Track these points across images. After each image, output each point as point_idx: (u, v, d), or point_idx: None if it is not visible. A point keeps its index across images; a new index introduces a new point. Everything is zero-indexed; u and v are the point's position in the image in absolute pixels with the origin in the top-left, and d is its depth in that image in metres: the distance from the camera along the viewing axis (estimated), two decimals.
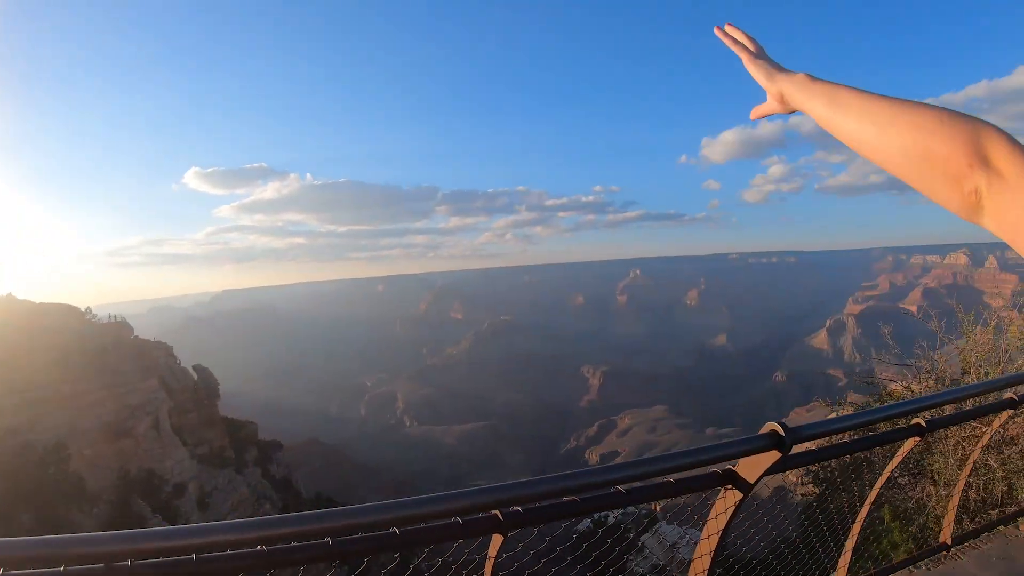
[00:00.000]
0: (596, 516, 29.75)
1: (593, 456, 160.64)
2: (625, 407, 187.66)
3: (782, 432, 3.20)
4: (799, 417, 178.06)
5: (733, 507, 3.46)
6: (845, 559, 4.54)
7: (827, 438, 4.00)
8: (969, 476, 5.81)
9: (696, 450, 3.26)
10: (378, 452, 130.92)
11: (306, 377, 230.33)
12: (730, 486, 3.42)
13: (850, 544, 4.56)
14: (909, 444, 4.30)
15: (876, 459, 8.15)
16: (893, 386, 10.42)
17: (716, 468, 3.39)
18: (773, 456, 3.25)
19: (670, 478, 3.16)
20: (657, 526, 24.96)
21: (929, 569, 4.84)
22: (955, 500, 5.08)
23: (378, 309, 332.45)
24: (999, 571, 4.74)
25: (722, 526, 3.51)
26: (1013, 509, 6.24)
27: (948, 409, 6.04)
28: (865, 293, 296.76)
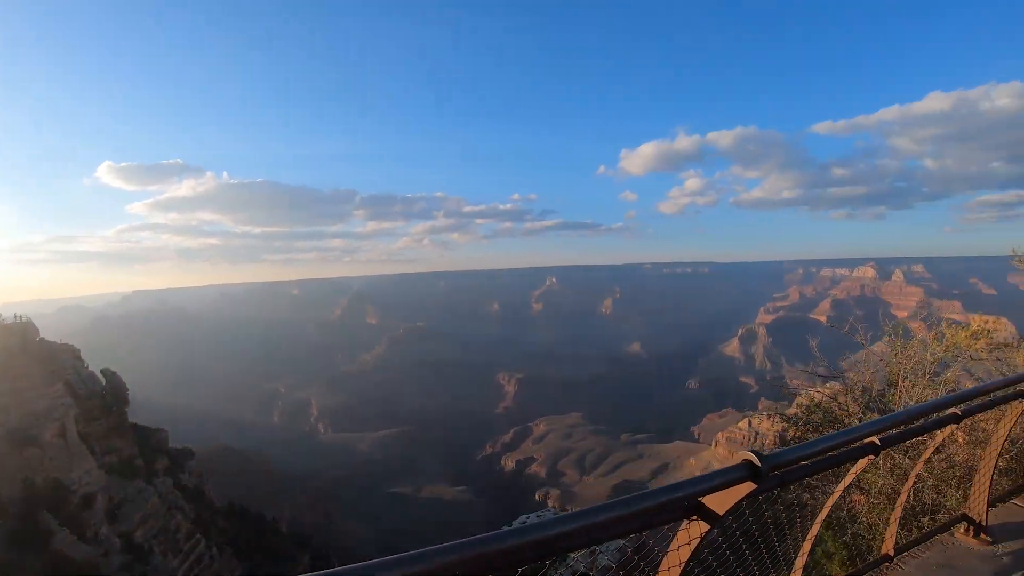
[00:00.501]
0: (514, 526, 31.43)
1: (509, 462, 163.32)
2: (541, 413, 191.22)
3: (757, 462, 3.18)
4: (712, 424, 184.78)
5: (698, 539, 3.35)
6: (801, 562, 4.49)
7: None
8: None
9: (669, 487, 3.19)
10: (293, 460, 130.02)
11: (218, 382, 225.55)
12: (695, 517, 3.33)
13: (800, 562, 4.52)
14: (863, 463, 4.35)
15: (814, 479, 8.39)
16: (814, 393, 11.30)
17: (680, 494, 3.29)
18: (748, 487, 3.23)
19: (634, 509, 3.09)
20: None
21: None
22: (897, 512, 5.15)
23: (292, 313, 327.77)
24: None
25: (684, 558, 3.38)
26: (944, 516, 6.48)
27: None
28: (776, 304, 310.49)
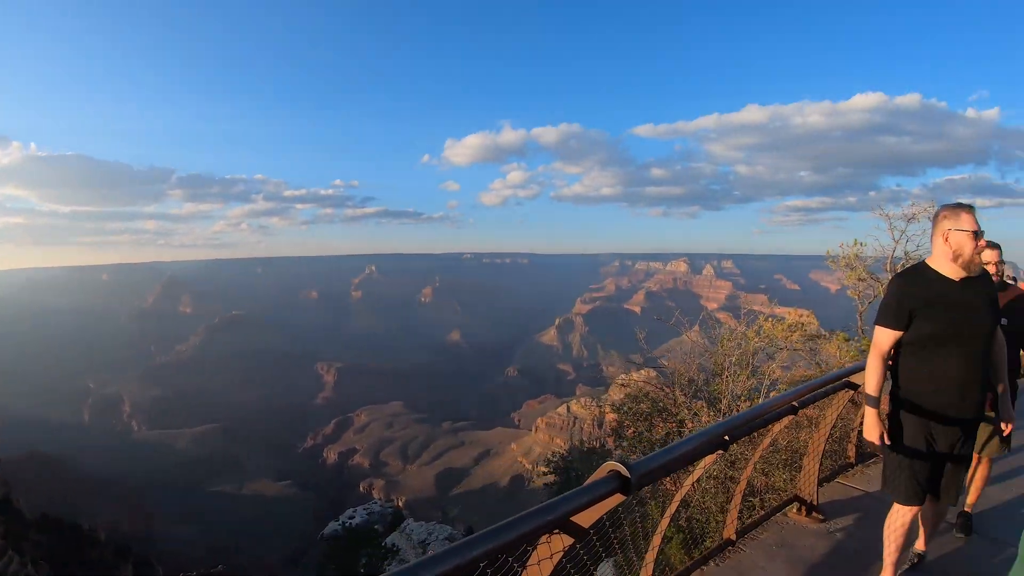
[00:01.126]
0: (342, 521, 30.17)
1: (331, 454, 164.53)
2: (362, 403, 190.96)
3: (627, 473, 3.02)
4: (532, 410, 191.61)
5: (560, 553, 3.15)
6: (647, 572, 4.44)
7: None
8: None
9: (539, 510, 2.89)
10: (106, 461, 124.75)
11: (21, 379, 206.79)
12: (557, 530, 3.08)
13: (651, 556, 4.45)
14: (711, 458, 4.36)
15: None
16: (643, 384, 11.31)
17: (551, 517, 2.98)
18: (617, 499, 3.07)
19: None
20: (405, 523, 25.88)
21: (719, 565, 5.03)
22: (737, 499, 5.33)
23: (102, 301, 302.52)
24: (783, 558, 5.09)
25: (546, 573, 3.14)
26: (774, 498, 6.74)
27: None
28: (593, 294, 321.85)
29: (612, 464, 3.16)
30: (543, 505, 2.95)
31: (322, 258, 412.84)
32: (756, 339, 11.50)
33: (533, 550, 3.16)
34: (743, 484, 5.39)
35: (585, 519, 3.11)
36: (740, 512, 5.57)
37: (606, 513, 3.19)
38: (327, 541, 30.19)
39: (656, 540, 4.53)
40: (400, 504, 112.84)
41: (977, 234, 3.81)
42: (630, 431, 10.60)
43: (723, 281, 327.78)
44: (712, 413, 9.35)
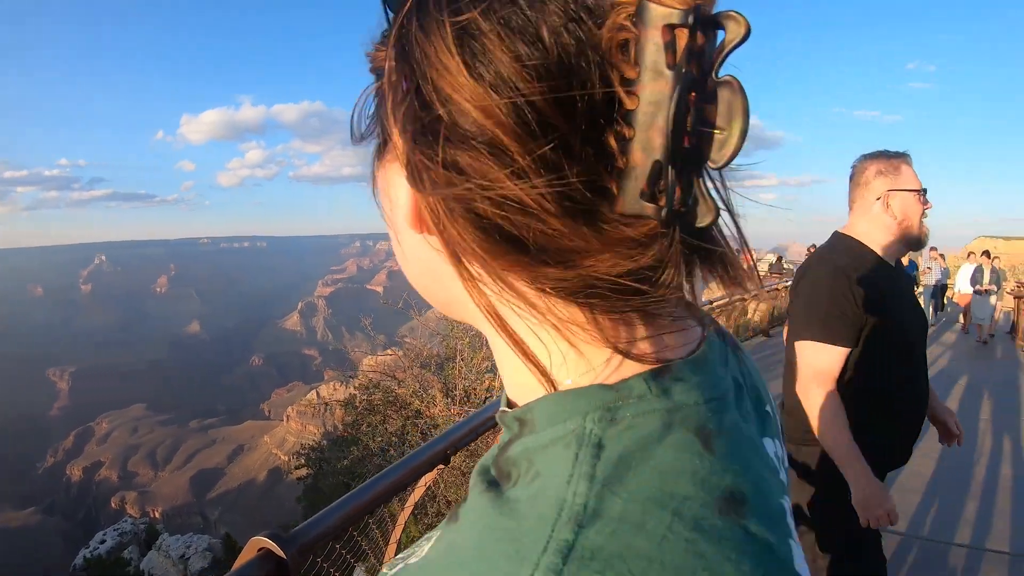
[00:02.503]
0: (92, 547, 28.64)
1: (76, 471, 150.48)
2: (101, 410, 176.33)
3: (280, 552, 1.76)
4: (281, 399, 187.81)
5: None
6: None
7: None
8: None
9: None
10: None
11: None
12: None
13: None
14: (431, 476, 3.20)
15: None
16: (371, 374, 10.57)
17: None
18: None
19: None
20: (161, 539, 27.33)
21: None
22: None
23: None
24: None
25: None
26: None
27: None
28: (334, 276, 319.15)
29: (260, 540, 1.94)
30: None
31: (46, 248, 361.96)
32: None
33: None
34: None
35: None
36: None
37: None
38: (79, 574, 27.73)
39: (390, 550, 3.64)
40: (157, 515, 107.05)
41: (923, 193, 2.41)
42: (363, 426, 10.11)
43: None
44: (447, 401, 8.86)
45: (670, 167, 0.37)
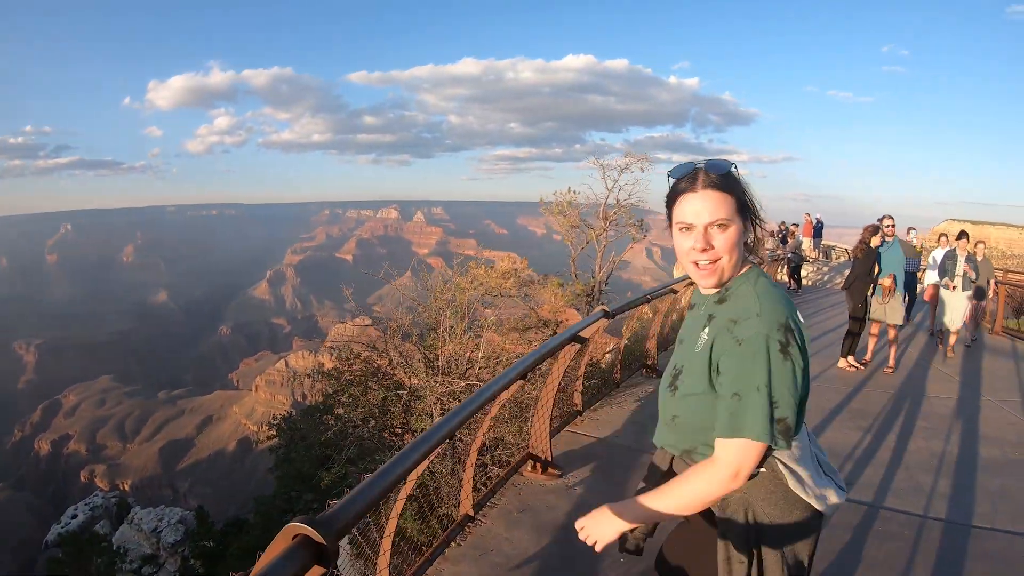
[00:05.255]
0: (64, 523, 26.74)
1: (44, 445, 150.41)
2: (68, 383, 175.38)
3: (319, 538, 1.94)
4: (250, 368, 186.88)
5: None
6: (385, 560, 3.68)
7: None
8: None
9: None
10: None
11: None
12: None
13: (387, 544, 3.69)
14: (435, 453, 3.50)
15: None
16: (353, 344, 10.41)
17: None
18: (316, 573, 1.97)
19: None
20: (132, 512, 23.95)
21: (460, 545, 4.49)
22: (469, 473, 4.82)
23: None
24: (526, 524, 4.71)
25: None
26: (504, 454, 6.59)
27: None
28: (303, 244, 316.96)
29: (296, 527, 1.96)
30: (566, 329, 3.69)
31: (10, 218, 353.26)
32: (471, 289, 11.50)
33: None
34: (473, 457, 4.81)
35: (586, 333, 3.63)
36: (473, 482, 5.21)
37: None
38: (52, 550, 26.72)
39: (391, 526, 3.64)
40: (127, 487, 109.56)
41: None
42: (344, 396, 10.12)
43: (434, 227, 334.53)
44: (429, 372, 8.88)
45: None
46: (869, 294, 9.20)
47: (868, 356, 9.71)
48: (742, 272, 1.76)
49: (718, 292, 1.80)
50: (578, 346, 5.47)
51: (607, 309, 6.20)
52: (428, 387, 8.63)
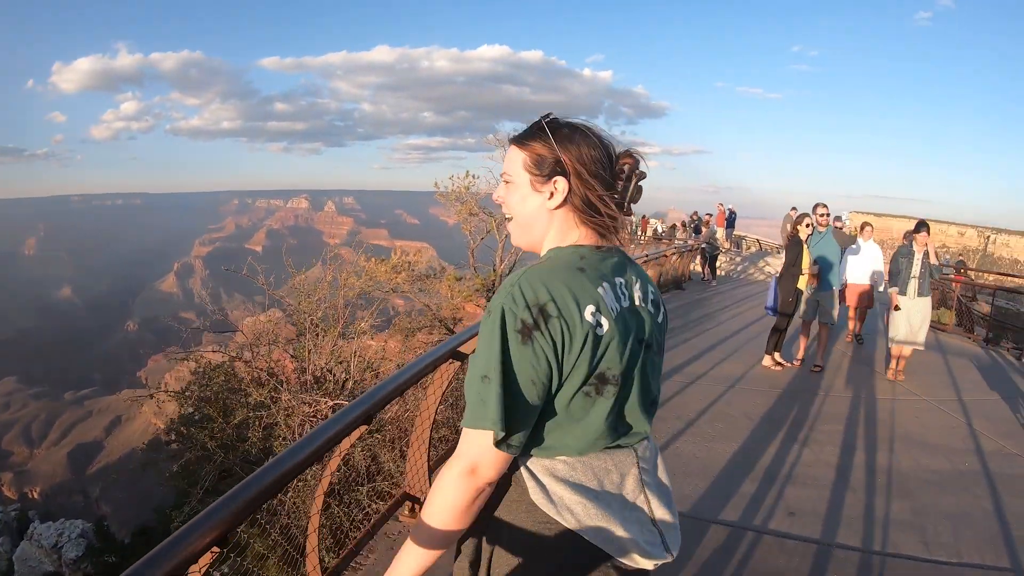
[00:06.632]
0: None
1: None
2: None
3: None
4: (159, 365, 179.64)
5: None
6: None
7: None
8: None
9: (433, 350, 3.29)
10: None
11: None
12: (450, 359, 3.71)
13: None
14: (356, 434, 3.25)
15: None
16: (210, 355, 9.57)
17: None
18: None
19: None
20: (32, 527, 21.86)
21: None
22: (313, 541, 3.33)
23: None
24: None
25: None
26: (382, 484, 5.98)
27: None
28: (212, 235, 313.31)
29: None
30: (443, 343, 3.67)
31: None
32: (356, 282, 10.73)
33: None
34: (313, 538, 3.32)
35: (467, 348, 3.86)
36: (333, 531, 4.67)
37: None
38: None
39: (312, 538, 3.26)
40: (35, 495, 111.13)
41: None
42: (199, 418, 8.72)
43: (345, 217, 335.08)
44: (296, 389, 7.97)
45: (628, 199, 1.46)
46: (798, 287, 8.47)
47: (800, 355, 8.97)
48: (560, 241, 1.49)
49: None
50: (458, 364, 4.16)
51: None
52: (286, 409, 7.68)
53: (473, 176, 16.58)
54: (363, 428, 3.21)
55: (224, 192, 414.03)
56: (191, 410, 9.46)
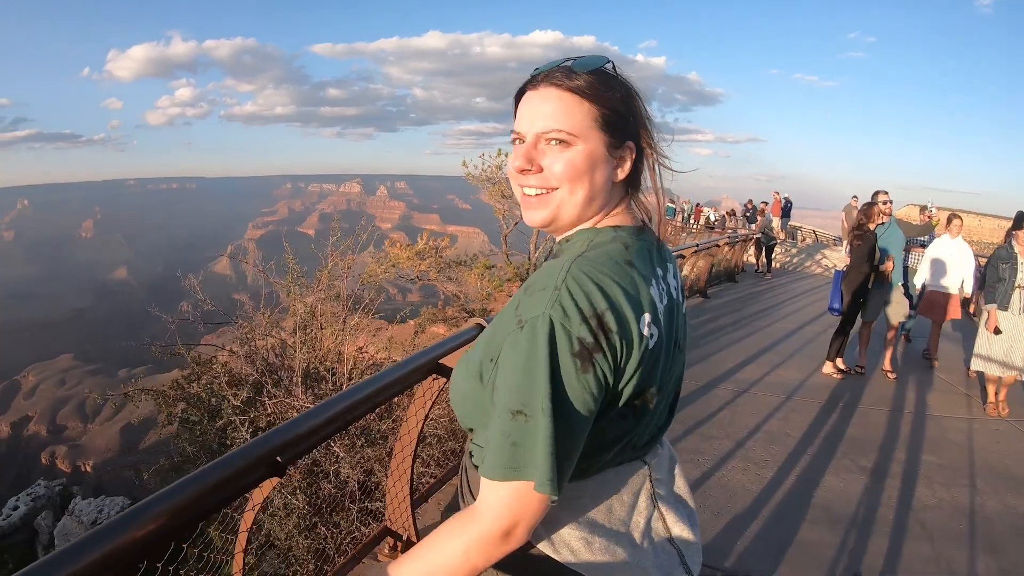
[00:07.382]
0: (2, 516, 24.86)
1: (3, 427, 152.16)
2: (27, 363, 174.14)
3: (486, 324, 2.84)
4: (208, 348, 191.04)
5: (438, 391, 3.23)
6: None
7: None
8: None
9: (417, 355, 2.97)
10: None
11: None
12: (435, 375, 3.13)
13: None
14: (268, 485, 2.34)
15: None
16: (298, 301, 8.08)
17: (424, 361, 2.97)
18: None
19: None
20: (73, 503, 23.30)
21: None
22: None
23: None
24: None
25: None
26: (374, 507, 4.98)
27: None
28: (265, 219, 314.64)
29: (477, 320, 3.28)
30: (418, 352, 3.04)
31: None
32: (378, 268, 9.96)
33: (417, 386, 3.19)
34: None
35: (452, 360, 3.05)
36: (316, 553, 4.38)
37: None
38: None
39: None
40: (88, 469, 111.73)
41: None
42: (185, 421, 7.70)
43: (397, 202, 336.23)
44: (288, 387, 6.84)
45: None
46: (868, 286, 7.53)
47: (862, 360, 7.82)
48: (596, 221, 1.14)
49: (559, 244, 1.17)
50: (443, 380, 3.39)
51: (483, 323, 3.49)
52: (278, 410, 6.61)
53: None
54: (275, 480, 2.18)
55: (277, 176, 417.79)
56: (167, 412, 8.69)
